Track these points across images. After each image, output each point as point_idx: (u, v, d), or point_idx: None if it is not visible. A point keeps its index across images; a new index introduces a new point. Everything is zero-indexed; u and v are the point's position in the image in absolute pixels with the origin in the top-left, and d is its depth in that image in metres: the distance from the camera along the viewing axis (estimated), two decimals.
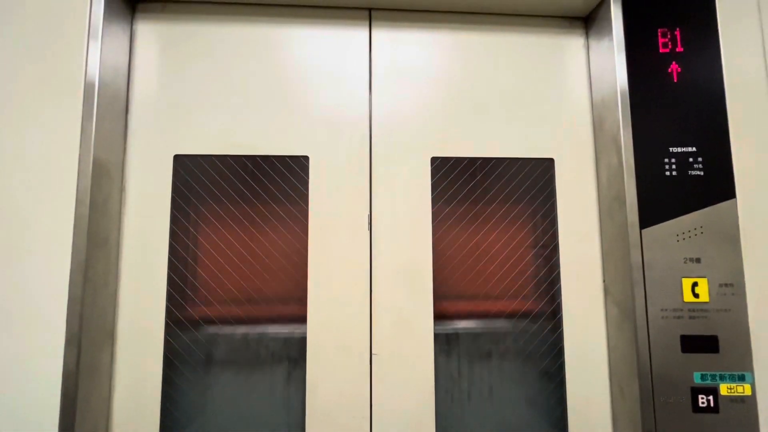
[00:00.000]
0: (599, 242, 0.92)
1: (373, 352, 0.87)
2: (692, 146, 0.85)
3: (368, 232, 0.89)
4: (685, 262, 0.83)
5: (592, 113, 0.97)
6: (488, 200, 0.97)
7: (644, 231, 0.85)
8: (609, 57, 0.90)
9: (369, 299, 0.88)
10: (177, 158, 0.89)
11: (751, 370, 0.80)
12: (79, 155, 0.80)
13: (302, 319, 0.88)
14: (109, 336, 0.83)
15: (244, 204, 0.92)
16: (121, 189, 0.86)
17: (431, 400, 0.88)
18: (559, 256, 0.93)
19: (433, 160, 0.93)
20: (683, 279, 0.83)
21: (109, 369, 0.83)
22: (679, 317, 0.82)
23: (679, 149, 0.85)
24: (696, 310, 0.82)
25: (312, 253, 0.88)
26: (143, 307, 0.85)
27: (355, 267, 0.88)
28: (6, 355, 0.78)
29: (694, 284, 0.82)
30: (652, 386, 0.81)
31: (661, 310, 0.83)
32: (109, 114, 0.84)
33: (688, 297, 0.82)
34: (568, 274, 0.93)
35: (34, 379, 0.77)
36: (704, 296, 0.82)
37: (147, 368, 0.84)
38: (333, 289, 0.88)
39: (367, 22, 0.96)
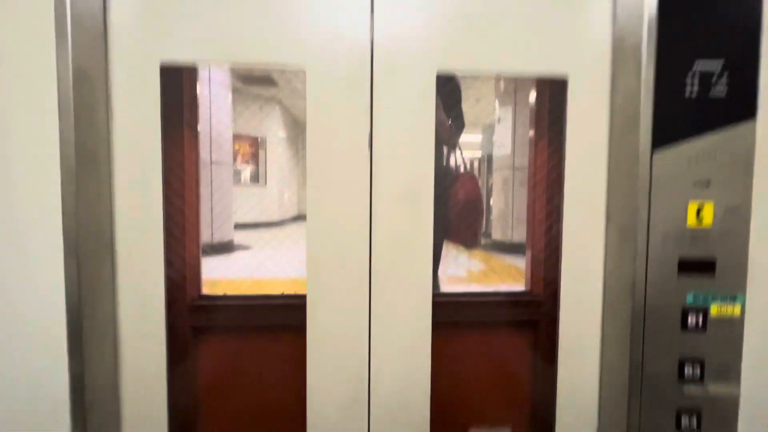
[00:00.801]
0: (606, 166, 0.89)
1: (372, 271, 0.87)
2: (719, 58, 0.78)
3: (368, 152, 0.86)
4: (693, 185, 0.81)
5: (614, 25, 0.88)
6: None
7: (656, 153, 0.81)
8: None
9: (369, 221, 0.87)
10: (164, 67, 0.83)
11: (743, 292, 0.82)
12: (57, 59, 0.75)
13: None
14: (108, 251, 0.82)
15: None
16: (107, 99, 0.81)
17: (428, 321, 0.90)
18: (563, 181, 0.90)
19: (439, 76, 0.87)
20: (690, 202, 0.81)
21: (112, 284, 0.84)
22: (680, 241, 0.82)
23: (704, 64, 0.79)
24: (698, 234, 0.81)
25: (310, 174, 0.86)
26: (140, 223, 0.83)
27: (355, 188, 0.86)
28: (6, 269, 0.78)
29: (700, 208, 0.81)
30: (645, 306, 0.83)
31: (663, 233, 0.82)
32: (85, 14, 0.76)
33: (691, 221, 0.81)
34: (571, 200, 0.91)
35: (38, 293, 0.78)
36: (708, 220, 0.81)
37: (149, 283, 0.85)
38: (332, 210, 0.86)
39: None
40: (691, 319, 0.82)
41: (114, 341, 0.85)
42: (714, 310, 0.82)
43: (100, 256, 0.81)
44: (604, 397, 0.89)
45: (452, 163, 1.57)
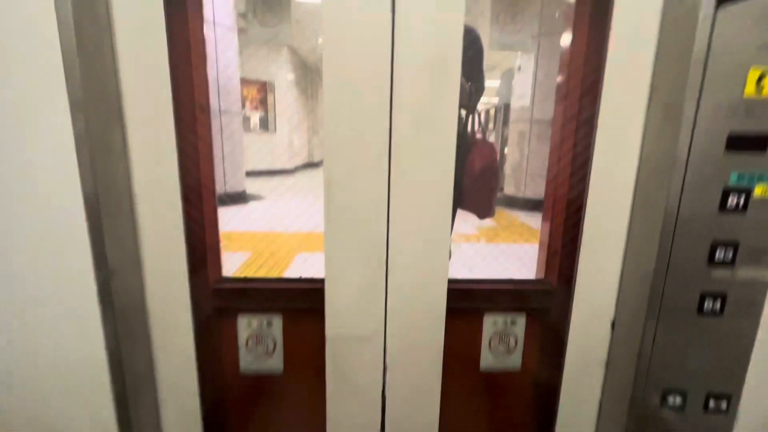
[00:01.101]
0: (658, 30, 0.79)
1: (392, 146, 0.83)
2: None
3: (390, 14, 0.77)
4: (758, 49, 0.72)
5: None
6: None
7: (719, 11, 0.71)
8: None
9: (390, 93, 0.80)
10: None
11: None
12: None
13: None
14: (116, 115, 0.79)
15: None
16: None
17: (449, 197, 0.86)
18: (606, 56, 0.81)
19: None
20: (751, 69, 0.72)
21: (124, 151, 0.82)
22: (733, 114, 0.74)
23: None
24: (755, 106, 0.73)
25: (326, 39, 0.78)
26: (148, 88, 0.79)
27: (375, 56, 0.79)
28: (11, 115, 0.74)
29: (762, 74, 0.72)
30: (682, 187, 0.78)
31: (715, 106, 0.74)
32: None
33: (749, 90, 0.73)
34: (613, 76, 0.82)
35: (47, 155, 0.76)
36: None
37: (161, 149, 0.82)
38: (349, 79, 0.80)
39: None
40: (731, 200, 0.77)
41: (132, 218, 0.85)
42: (759, 190, 0.76)
43: (108, 120, 0.78)
44: (626, 280, 0.87)
45: (469, 128, 1.44)
